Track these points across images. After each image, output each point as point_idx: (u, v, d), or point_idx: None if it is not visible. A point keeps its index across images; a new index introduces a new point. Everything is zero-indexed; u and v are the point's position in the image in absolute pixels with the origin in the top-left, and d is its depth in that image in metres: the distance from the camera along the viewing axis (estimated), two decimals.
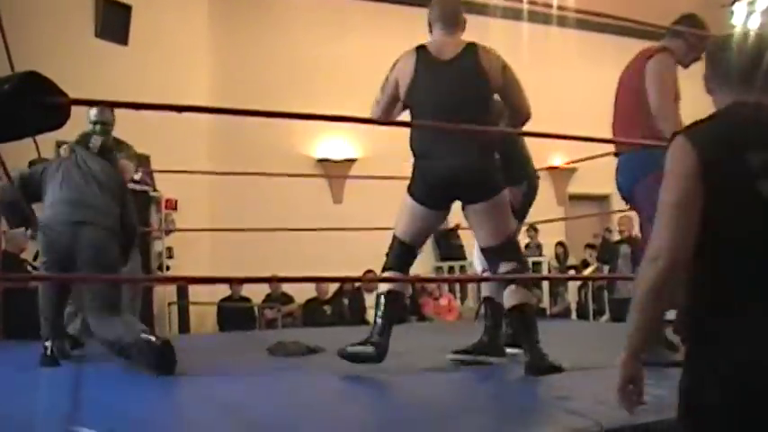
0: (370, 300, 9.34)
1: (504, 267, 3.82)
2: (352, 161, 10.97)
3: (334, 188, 10.84)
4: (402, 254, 3.96)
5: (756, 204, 1.72)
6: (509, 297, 3.80)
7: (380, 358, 3.93)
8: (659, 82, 3.90)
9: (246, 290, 10.11)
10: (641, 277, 1.79)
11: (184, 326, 9.38)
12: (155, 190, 8.53)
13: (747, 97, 1.87)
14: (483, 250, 3.94)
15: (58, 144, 5.74)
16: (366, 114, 4.21)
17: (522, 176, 4.48)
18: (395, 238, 4.01)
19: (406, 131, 4.14)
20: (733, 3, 12.11)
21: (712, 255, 1.75)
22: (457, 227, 10.14)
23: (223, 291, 10.12)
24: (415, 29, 11.97)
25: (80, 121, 5.63)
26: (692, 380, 1.75)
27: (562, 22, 12.45)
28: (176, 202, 9.09)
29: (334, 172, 10.87)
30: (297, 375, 4.09)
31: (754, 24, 11.81)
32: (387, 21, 11.61)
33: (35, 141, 5.31)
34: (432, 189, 3.84)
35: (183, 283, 8.80)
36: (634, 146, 3.88)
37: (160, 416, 3.11)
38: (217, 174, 8.63)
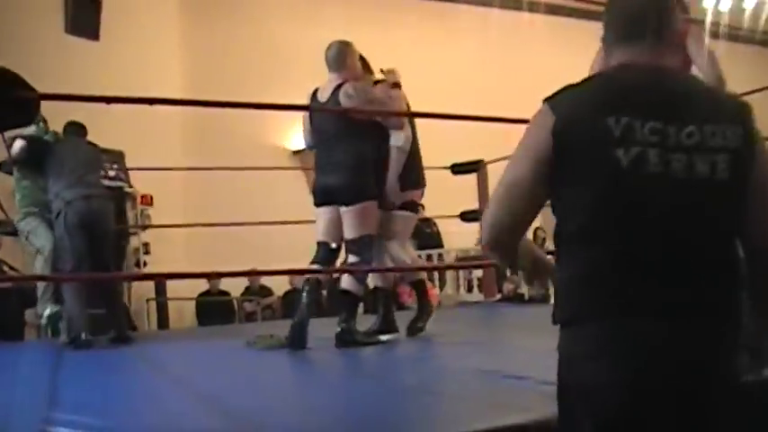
0: None
1: (352, 258, 4.68)
2: None
3: (310, 179, 10.75)
4: (320, 251, 4.89)
5: (614, 176, 1.52)
6: (344, 283, 4.72)
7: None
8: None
9: (225, 283, 10.06)
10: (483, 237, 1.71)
11: (163, 321, 9.31)
12: (130, 186, 8.45)
13: (640, 58, 1.65)
14: (345, 241, 4.70)
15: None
16: None
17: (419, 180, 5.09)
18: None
19: None
20: None
21: (577, 237, 1.58)
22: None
23: (201, 285, 10.07)
24: (390, 18, 12.01)
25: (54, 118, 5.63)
26: (567, 369, 1.61)
27: (532, 7, 12.49)
28: (152, 197, 9.02)
29: (310, 163, 10.80)
30: (276, 368, 4.08)
31: (724, 7, 11.89)
32: (362, 11, 11.58)
33: (2, 137, 5.29)
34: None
35: (161, 280, 8.73)
36: None
37: (139, 408, 3.10)
38: (190, 169, 8.57)
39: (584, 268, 1.57)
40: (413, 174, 4.98)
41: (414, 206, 5.11)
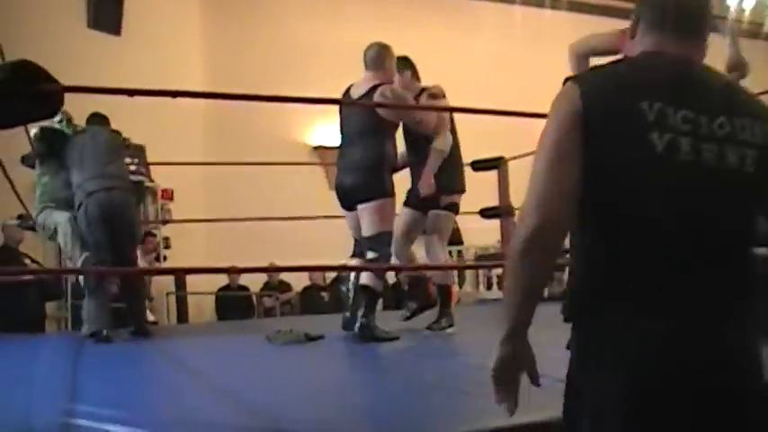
0: None
1: (370, 255, 4.70)
2: None
3: (329, 174, 10.79)
4: (356, 247, 5.06)
5: (649, 161, 1.46)
6: (363, 278, 4.78)
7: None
8: None
9: (244, 278, 10.11)
10: (512, 240, 1.54)
11: (183, 315, 9.38)
12: (151, 180, 8.50)
13: (669, 48, 1.62)
14: (363, 238, 4.78)
15: None
16: None
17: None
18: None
19: None
20: None
21: (598, 225, 1.52)
22: None
23: (221, 280, 10.13)
24: (410, 15, 11.98)
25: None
26: (578, 367, 1.55)
27: (554, 4, 12.42)
28: (172, 192, 9.07)
29: (330, 158, 10.83)
30: (295, 363, 4.09)
31: (748, 5, 11.78)
32: (382, 8, 11.58)
33: (27, 131, 5.32)
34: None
35: (181, 275, 8.77)
36: None
37: (158, 401, 3.12)
38: (211, 164, 8.58)
39: (606, 262, 1.51)
40: (458, 178, 5.21)
41: (456, 208, 5.27)
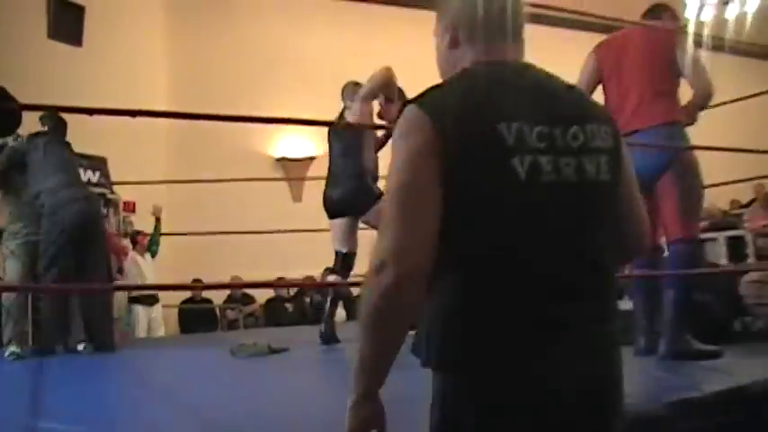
0: None
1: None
2: (311, 159, 10.91)
3: (293, 186, 10.82)
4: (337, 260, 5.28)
5: (514, 189, 1.35)
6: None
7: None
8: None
9: (207, 291, 10.06)
10: (363, 299, 1.36)
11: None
12: (112, 192, 8.43)
13: (498, 53, 1.52)
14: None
15: None
16: (329, 111, 4.45)
17: None
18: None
19: None
20: None
21: (466, 265, 1.37)
22: None
23: (184, 292, 10.06)
24: (376, 25, 12.00)
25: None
26: (453, 419, 1.39)
27: (533, 19, 12.45)
28: (134, 204, 8.99)
29: (294, 170, 10.84)
30: (259, 376, 4.08)
31: (706, 17, 11.98)
32: (348, 18, 11.60)
33: None
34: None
35: (143, 290, 8.69)
36: (662, 120, 3.82)
37: (119, 417, 3.10)
38: (173, 182, 8.55)
39: (474, 295, 1.36)
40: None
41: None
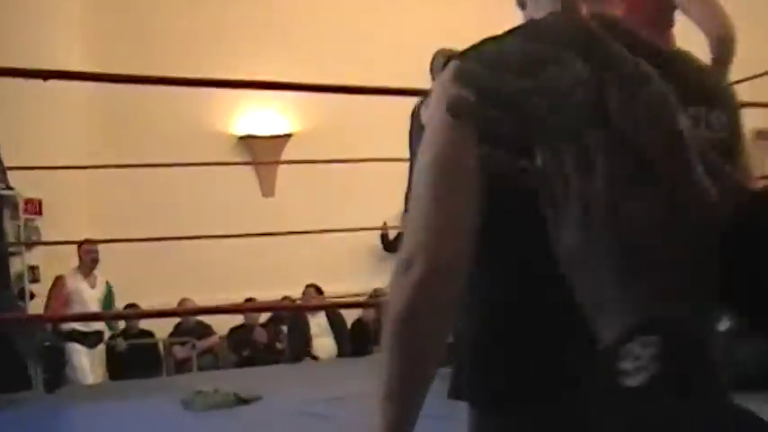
0: (315, 325, 9.33)
1: None
2: (285, 138, 10.92)
3: (263, 176, 10.76)
4: None
5: None
6: None
7: None
8: None
9: (147, 321, 9.95)
10: (388, 302, 1.43)
11: (57, 378, 9.17)
12: (8, 187, 8.31)
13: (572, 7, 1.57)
14: None
15: None
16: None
17: None
18: None
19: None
20: None
21: (502, 264, 1.43)
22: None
23: (114, 323, 9.94)
24: None
25: None
26: None
27: None
28: (40, 203, 8.89)
29: (263, 152, 10.79)
30: None
31: None
32: None
33: None
34: None
35: (56, 321, 8.60)
36: None
37: None
38: (95, 167, 8.49)
39: (527, 306, 1.41)
40: None
41: None
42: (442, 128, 1.41)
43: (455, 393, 1.47)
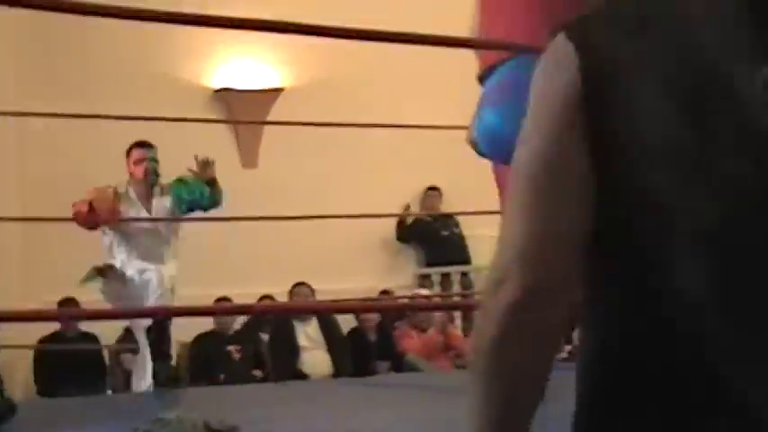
0: (305, 335, 9.34)
1: None
2: (274, 93, 10.94)
3: (242, 141, 10.77)
4: None
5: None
6: None
7: None
8: None
9: (89, 322, 9.95)
10: (478, 324, 1.48)
11: None
12: None
13: None
14: None
15: None
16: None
17: None
18: None
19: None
20: None
21: (621, 284, 1.42)
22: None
23: (45, 325, 9.97)
24: None
25: None
26: None
27: None
28: None
29: (245, 111, 10.78)
30: None
31: None
32: None
33: None
34: None
35: None
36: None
37: None
38: (23, 115, 8.52)
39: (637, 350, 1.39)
40: None
41: None
42: (548, 114, 1.43)
43: None
